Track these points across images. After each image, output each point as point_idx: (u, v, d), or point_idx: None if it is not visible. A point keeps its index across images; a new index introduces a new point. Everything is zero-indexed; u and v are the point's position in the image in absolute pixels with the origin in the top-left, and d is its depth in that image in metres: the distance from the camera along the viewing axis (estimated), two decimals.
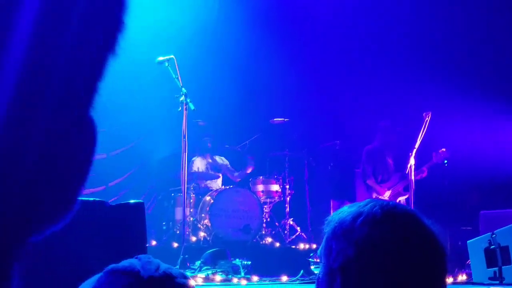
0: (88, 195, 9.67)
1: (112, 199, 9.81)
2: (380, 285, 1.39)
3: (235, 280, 5.70)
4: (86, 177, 0.86)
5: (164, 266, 1.29)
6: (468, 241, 5.68)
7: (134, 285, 1.23)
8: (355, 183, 9.85)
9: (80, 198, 3.53)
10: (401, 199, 8.64)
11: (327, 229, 1.52)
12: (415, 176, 8.15)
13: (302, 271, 5.64)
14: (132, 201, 3.97)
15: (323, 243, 1.52)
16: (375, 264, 1.39)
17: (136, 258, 1.30)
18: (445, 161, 9.08)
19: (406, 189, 8.61)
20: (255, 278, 5.92)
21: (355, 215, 1.46)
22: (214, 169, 9.49)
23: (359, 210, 1.47)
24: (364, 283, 1.40)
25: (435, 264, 1.43)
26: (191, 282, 1.31)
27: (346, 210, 1.50)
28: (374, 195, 8.68)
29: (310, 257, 5.25)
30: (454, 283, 6.24)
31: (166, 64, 6.88)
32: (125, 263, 1.27)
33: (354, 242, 1.41)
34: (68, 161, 0.81)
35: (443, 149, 8.46)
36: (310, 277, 5.79)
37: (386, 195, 8.65)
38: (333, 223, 1.50)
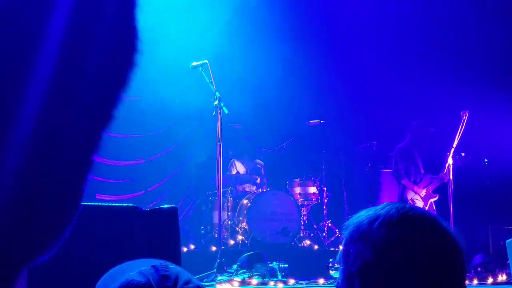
0: (127, 200, 9.83)
1: (152, 204, 9.92)
2: (398, 287, 1.39)
3: (271, 283, 5.70)
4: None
5: (182, 280, 1.28)
6: (507, 241, 5.57)
7: None
8: (389, 184, 9.78)
9: (114, 204, 3.58)
10: (432, 200, 8.56)
11: (345, 233, 1.52)
12: (436, 182, 8.12)
13: (331, 260, 5.61)
14: (165, 206, 4.01)
15: (341, 248, 1.53)
16: (393, 267, 1.38)
17: (154, 267, 1.29)
18: (485, 160, 8.95)
19: (435, 191, 8.54)
20: (291, 281, 5.92)
21: (372, 219, 1.46)
22: (253, 172, 9.51)
23: (376, 214, 1.47)
24: (383, 286, 1.40)
25: (453, 266, 1.42)
26: None
27: (363, 214, 1.50)
28: (410, 196, 8.58)
29: (329, 263, 5.22)
30: (494, 283, 6.13)
31: (200, 69, 6.94)
32: (141, 278, 1.26)
33: (372, 246, 1.41)
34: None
35: (463, 154, 8.37)
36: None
37: (422, 194, 8.57)
38: (350, 228, 1.50)
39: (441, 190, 8.45)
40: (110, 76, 0.82)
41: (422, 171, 8.71)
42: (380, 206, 1.50)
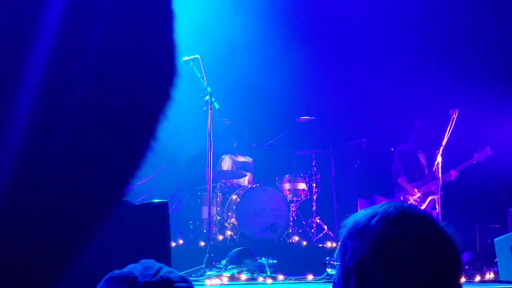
0: None
1: (141, 198, 9.89)
2: (394, 284, 1.39)
3: (260, 279, 5.71)
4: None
5: (164, 271, 1.30)
6: (495, 239, 5.61)
7: None
8: (383, 181, 9.80)
9: None
10: (432, 198, 8.56)
11: (343, 231, 1.54)
12: (442, 177, 8.07)
13: (328, 258, 5.62)
14: (156, 200, 4.00)
15: (339, 245, 1.54)
16: (389, 263, 1.39)
17: (139, 263, 1.32)
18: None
19: (438, 189, 8.54)
20: (280, 277, 5.92)
21: (370, 216, 1.47)
22: (242, 168, 9.51)
23: (374, 211, 1.48)
24: (378, 282, 1.41)
25: (449, 264, 1.43)
26: (192, 286, 1.31)
27: (361, 212, 1.52)
28: (403, 195, 8.61)
29: (326, 260, 5.23)
30: (481, 281, 6.17)
31: (192, 63, 6.92)
32: (126, 269, 1.29)
33: (368, 241, 1.42)
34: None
35: (488, 148, 8.39)
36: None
37: (416, 195, 8.57)
38: (349, 225, 1.52)
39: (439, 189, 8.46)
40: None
41: (426, 171, 8.73)
42: (379, 205, 1.51)
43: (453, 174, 8.35)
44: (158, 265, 1.33)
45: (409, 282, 1.39)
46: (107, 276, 1.31)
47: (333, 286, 1.56)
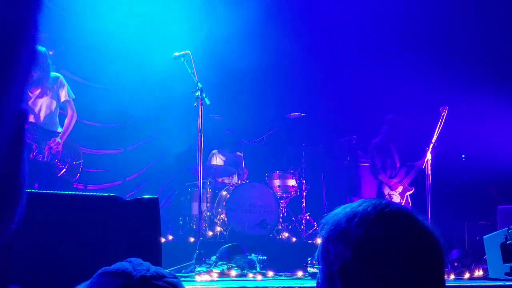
0: (106, 189, 9.77)
1: (130, 194, 9.87)
2: (380, 285, 1.39)
3: (250, 275, 5.70)
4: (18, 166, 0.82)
5: (154, 267, 1.33)
6: (484, 237, 5.64)
7: (127, 285, 1.26)
8: (368, 178, 9.83)
9: (94, 194, 3.53)
10: (408, 193, 8.62)
11: (322, 232, 1.52)
12: (413, 173, 8.19)
13: (310, 258, 5.61)
14: (146, 196, 3.99)
15: (319, 247, 1.52)
16: (373, 265, 1.39)
17: (127, 261, 1.33)
18: (463, 156, 9.03)
19: (411, 184, 8.60)
20: (270, 273, 5.92)
21: (350, 216, 1.46)
22: (232, 164, 9.50)
23: (353, 211, 1.47)
24: (364, 285, 1.40)
25: (432, 261, 1.43)
26: (181, 281, 1.34)
27: (340, 212, 1.51)
28: (387, 191, 8.62)
29: (307, 262, 5.24)
30: (470, 278, 6.19)
31: (182, 59, 6.89)
32: (116, 265, 1.30)
33: (351, 244, 1.42)
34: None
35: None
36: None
37: (399, 190, 8.61)
38: (328, 226, 1.50)
39: (418, 184, 8.50)
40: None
41: (398, 165, 8.76)
42: (357, 203, 1.50)
43: (418, 164, 8.38)
44: (146, 263, 1.36)
45: (395, 281, 1.38)
46: (100, 272, 1.32)
47: None
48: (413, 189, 8.59)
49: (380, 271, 1.38)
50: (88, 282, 1.32)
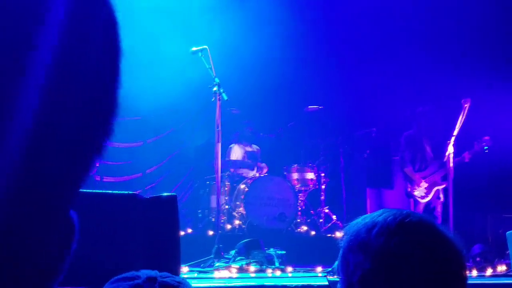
0: (125, 182, 9.81)
1: (149, 186, 9.92)
2: None
3: (269, 270, 5.69)
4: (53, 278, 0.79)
5: (163, 273, 1.37)
6: (507, 232, 5.55)
7: (135, 285, 1.30)
8: (391, 171, 9.75)
9: (113, 192, 3.52)
10: (438, 188, 8.44)
11: (342, 242, 1.52)
12: (457, 161, 8.00)
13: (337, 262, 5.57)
14: (165, 194, 3.98)
15: (339, 257, 1.51)
16: (393, 275, 1.38)
17: (140, 272, 1.36)
18: (485, 148, 8.90)
19: (444, 178, 8.39)
20: (289, 269, 5.90)
21: (370, 227, 1.45)
22: (251, 158, 9.49)
23: (373, 222, 1.46)
24: None
25: (453, 272, 1.42)
26: (188, 282, 1.37)
27: (360, 222, 1.50)
28: (409, 185, 8.50)
29: (326, 273, 5.21)
30: (493, 274, 6.12)
31: (200, 54, 6.88)
32: (126, 273, 1.34)
33: (371, 255, 1.41)
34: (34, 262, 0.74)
35: (487, 137, 8.27)
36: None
37: (423, 185, 8.45)
38: (348, 236, 1.49)
39: (445, 178, 8.40)
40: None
41: (429, 159, 8.59)
42: (377, 213, 1.49)
43: (467, 156, 8.23)
44: (154, 271, 1.39)
45: None
46: (110, 280, 1.33)
47: None
48: (445, 184, 8.32)
49: (399, 283, 1.37)
50: None
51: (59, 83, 0.69)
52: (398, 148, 8.94)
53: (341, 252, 1.50)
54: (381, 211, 1.48)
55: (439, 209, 8.39)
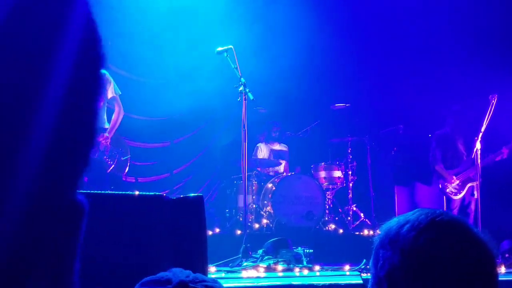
0: (154, 182, 9.90)
1: (177, 186, 9.98)
2: None
3: (296, 270, 5.70)
4: (69, 262, 0.84)
5: (194, 274, 1.36)
6: None
7: None
8: (420, 168, 9.67)
9: (139, 193, 3.56)
10: (472, 185, 8.39)
11: (376, 239, 1.52)
12: (494, 157, 7.95)
13: (364, 261, 5.56)
14: (191, 194, 4.02)
15: (372, 253, 1.52)
16: (420, 272, 1.38)
17: (169, 270, 1.37)
18: None
19: (477, 176, 8.35)
20: (317, 268, 5.90)
21: (402, 224, 1.46)
22: (278, 156, 9.51)
23: (406, 219, 1.47)
24: None
25: (482, 274, 1.40)
26: (221, 285, 1.36)
27: (394, 220, 1.51)
28: (441, 182, 8.47)
29: (360, 268, 5.21)
30: None
31: (225, 54, 6.90)
32: (157, 274, 1.35)
33: (399, 250, 1.41)
34: (49, 246, 0.79)
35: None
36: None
37: (455, 182, 8.41)
38: (381, 233, 1.50)
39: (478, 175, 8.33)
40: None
41: (464, 157, 8.55)
42: (411, 212, 1.50)
43: (505, 151, 8.16)
44: (187, 271, 1.39)
45: None
46: (141, 282, 1.36)
47: None
48: (478, 181, 8.28)
49: (426, 279, 1.36)
50: None
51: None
52: (428, 146, 8.90)
53: (374, 248, 1.52)
54: (416, 210, 1.49)
55: (472, 206, 8.35)
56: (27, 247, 0.75)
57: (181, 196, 4.05)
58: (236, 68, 6.82)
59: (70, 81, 0.78)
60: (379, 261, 1.46)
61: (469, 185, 8.40)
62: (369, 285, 1.53)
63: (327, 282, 4.11)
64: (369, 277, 1.55)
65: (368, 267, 1.61)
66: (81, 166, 0.81)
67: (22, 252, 0.74)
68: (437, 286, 1.36)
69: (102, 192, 3.98)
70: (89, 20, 0.82)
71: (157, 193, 3.97)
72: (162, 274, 1.36)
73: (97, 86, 0.82)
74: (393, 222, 1.49)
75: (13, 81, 0.72)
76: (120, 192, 3.92)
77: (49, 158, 0.75)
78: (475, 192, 8.30)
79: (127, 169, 7.23)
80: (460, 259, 1.37)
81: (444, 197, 8.46)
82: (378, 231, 1.53)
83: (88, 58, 0.80)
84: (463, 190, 8.38)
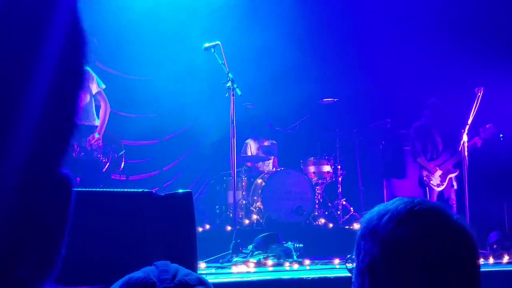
0: (144, 179, 9.88)
1: (167, 183, 9.98)
2: (407, 284, 1.38)
3: (287, 264, 5.72)
4: (59, 240, 0.86)
5: (182, 273, 1.30)
6: None
7: None
8: (404, 161, 9.73)
9: (128, 190, 3.57)
10: (451, 176, 8.49)
11: (358, 230, 1.53)
12: (469, 145, 8.02)
13: (349, 256, 5.58)
14: (180, 190, 4.03)
15: (355, 244, 1.52)
16: (400, 262, 1.37)
17: (155, 265, 1.32)
18: (501, 135, 8.88)
19: (456, 166, 8.46)
20: (307, 262, 5.93)
21: (381, 214, 1.45)
22: (266, 152, 9.52)
23: (386, 209, 1.46)
24: (391, 282, 1.39)
25: (462, 260, 1.39)
26: (210, 286, 1.32)
27: (375, 210, 1.50)
28: (425, 174, 8.54)
29: (346, 258, 5.18)
30: (510, 261, 6.11)
31: (213, 50, 6.90)
32: (141, 273, 1.29)
33: (379, 241, 1.41)
34: (39, 221, 0.81)
35: (490, 125, 8.27)
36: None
37: (437, 173, 8.49)
38: (363, 224, 1.50)
39: (456, 166, 8.41)
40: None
41: (441, 148, 8.64)
42: (391, 201, 1.49)
43: (478, 141, 8.22)
44: (174, 267, 1.33)
45: (423, 280, 1.37)
46: (124, 281, 1.31)
47: (352, 286, 1.55)
48: (457, 171, 8.42)
49: (407, 270, 1.36)
50: None
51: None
52: (408, 139, 8.98)
53: (356, 239, 1.52)
54: (395, 199, 1.48)
55: (453, 196, 8.44)
56: (19, 223, 0.77)
57: (170, 192, 4.07)
58: (224, 64, 6.82)
59: (55, 70, 0.80)
60: (361, 252, 1.46)
61: (449, 176, 8.50)
62: (353, 276, 1.54)
63: (317, 276, 4.14)
64: (352, 267, 1.55)
65: (353, 257, 1.60)
66: (66, 142, 0.83)
67: (14, 229, 0.76)
68: (418, 275, 1.36)
69: (92, 189, 3.99)
70: (74, 13, 0.84)
71: (145, 190, 3.99)
72: (145, 276, 1.31)
73: (81, 72, 0.85)
74: (373, 213, 1.48)
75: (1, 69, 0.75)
76: (109, 190, 3.93)
77: (36, 136, 0.78)
78: (454, 183, 8.42)
79: (122, 164, 7.23)
80: (439, 248, 1.36)
81: (426, 189, 8.52)
82: (360, 221, 1.53)
83: (71, 50, 0.82)
84: (444, 182, 8.48)
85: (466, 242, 1.41)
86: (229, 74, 6.78)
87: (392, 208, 1.44)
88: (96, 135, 6.74)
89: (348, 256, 1.69)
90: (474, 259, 1.42)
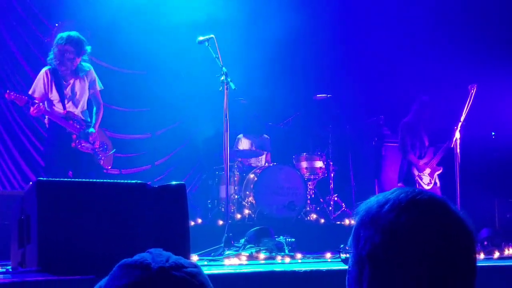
0: (136, 174, 9.87)
1: (159, 178, 9.96)
2: (408, 271, 1.39)
3: (278, 257, 5.73)
4: None
5: (174, 257, 1.33)
6: None
7: (145, 277, 1.28)
8: (395, 158, 9.76)
9: (122, 181, 3.58)
10: (437, 173, 8.56)
11: (355, 218, 1.53)
12: (445, 147, 8.12)
13: (342, 245, 5.60)
14: (174, 182, 4.03)
15: (352, 233, 1.53)
16: (402, 251, 1.38)
17: (148, 251, 1.35)
18: (493, 133, 8.92)
19: (439, 164, 8.53)
20: (298, 256, 5.94)
21: (382, 203, 1.46)
22: (259, 147, 9.52)
23: (386, 198, 1.47)
24: (392, 270, 1.40)
25: (462, 249, 1.41)
26: (202, 271, 1.35)
27: (373, 199, 1.51)
28: (416, 174, 8.56)
29: (340, 248, 5.20)
30: (501, 257, 6.14)
31: (207, 43, 6.87)
32: (136, 257, 1.32)
33: (381, 229, 1.41)
34: None
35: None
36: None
37: (427, 171, 8.54)
38: (361, 212, 1.51)
39: (448, 163, 8.44)
40: None
41: (427, 145, 8.68)
42: (390, 191, 1.50)
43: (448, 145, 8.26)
44: (166, 253, 1.36)
45: (423, 269, 1.38)
46: (119, 264, 1.34)
47: (347, 274, 1.56)
48: (441, 169, 8.51)
49: (408, 258, 1.37)
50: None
51: None
52: (397, 135, 8.99)
53: (353, 227, 1.52)
54: (394, 189, 1.49)
55: (438, 193, 8.46)
56: None
57: (164, 184, 4.07)
58: (218, 57, 6.81)
59: None
60: (360, 240, 1.46)
61: (436, 173, 8.56)
62: (349, 265, 1.54)
63: (309, 268, 4.15)
64: (349, 257, 1.56)
65: (347, 247, 1.60)
66: None
67: None
68: (419, 263, 1.37)
69: (86, 180, 3.98)
70: None
71: (139, 181, 3.99)
72: (140, 258, 1.33)
73: None
74: (372, 202, 1.50)
75: None
76: (104, 180, 3.93)
77: None
78: (437, 181, 8.50)
79: (111, 162, 7.24)
80: (440, 237, 1.38)
81: (417, 186, 8.56)
82: (355, 212, 1.54)
83: None
84: (433, 179, 8.53)
85: (466, 232, 1.43)
86: (223, 68, 6.77)
87: (393, 197, 1.45)
88: (92, 130, 6.74)
89: (342, 246, 1.68)
90: (472, 249, 1.43)
